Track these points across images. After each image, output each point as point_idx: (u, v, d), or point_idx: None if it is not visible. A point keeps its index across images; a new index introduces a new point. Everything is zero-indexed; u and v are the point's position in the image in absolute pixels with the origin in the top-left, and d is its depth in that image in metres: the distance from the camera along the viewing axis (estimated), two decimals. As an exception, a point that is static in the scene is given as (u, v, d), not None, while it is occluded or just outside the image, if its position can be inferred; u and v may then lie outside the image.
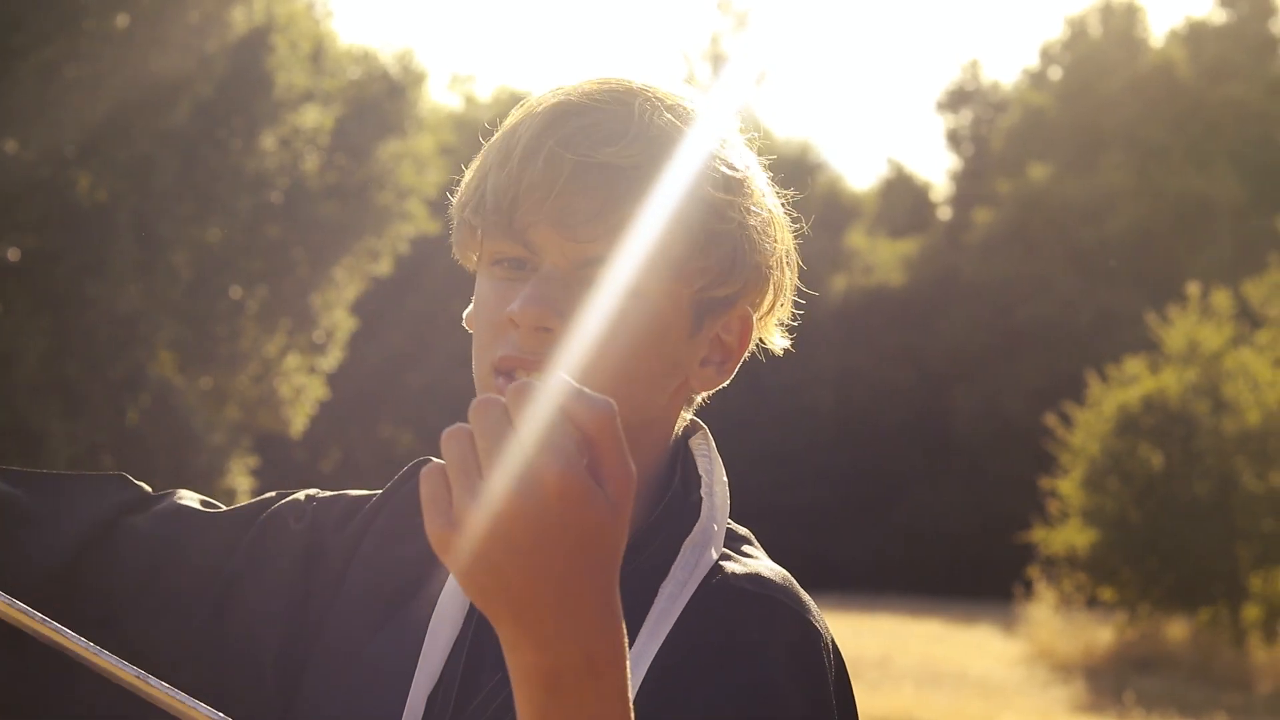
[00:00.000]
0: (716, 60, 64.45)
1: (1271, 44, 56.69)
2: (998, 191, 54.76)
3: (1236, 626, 26.50)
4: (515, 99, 2.10)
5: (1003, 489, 45.89)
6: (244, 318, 24.80)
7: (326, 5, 28.68)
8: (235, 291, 24.55)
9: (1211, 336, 27.14)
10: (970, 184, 58.50)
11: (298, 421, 26.61)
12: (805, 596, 1.87)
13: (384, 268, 29.30)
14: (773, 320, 2.01)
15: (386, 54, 29.29)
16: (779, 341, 2.04)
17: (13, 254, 21.87)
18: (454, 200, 1.96)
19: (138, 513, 2.04)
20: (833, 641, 1.86)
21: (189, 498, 2.08)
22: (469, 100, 55.92)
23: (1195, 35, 57.05)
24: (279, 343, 25.65)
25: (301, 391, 26.44)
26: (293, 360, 26.11)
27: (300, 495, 2.09)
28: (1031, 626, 27.68)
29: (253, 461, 24.86)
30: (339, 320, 26.99)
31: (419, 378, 47.63)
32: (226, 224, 23.76)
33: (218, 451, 23.75)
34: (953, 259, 53.92)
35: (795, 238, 2.01)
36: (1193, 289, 27.92)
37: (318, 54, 26.58)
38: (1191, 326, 27.46)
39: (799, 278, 2.02)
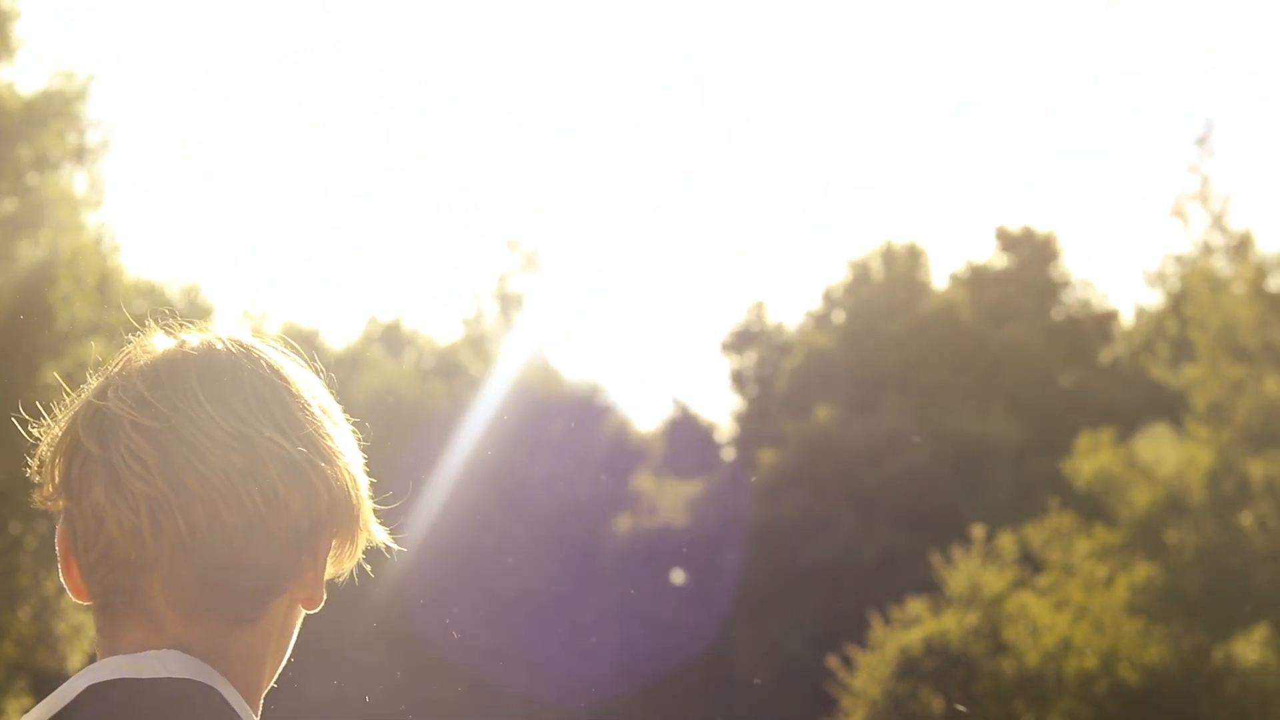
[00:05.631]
0: (504, 300, 64.85)
1: (1052, 288, 58.21)
2: (782, 432, 55.31)
3: None
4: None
5: (788, 731, 45.83)
6: (22, 553, 24.27)
7: (114, 239, 28.52)
8: (14, 527, 24.05)
9: (994, 579, 27.45)
10: (755, 425, 59.05)
11: (75, 659, 25.98)
12: None
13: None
14: None
15: (173, 288, 29.20)
16: None
17: None
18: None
19: None
20: None
21: None
22: (259, 335, 55.63)
23: (977, 278, 58.39)
24: (57, 579, 25.12)
25: (80, 629, 25.85)
26: (71, 598, 25.55)
27: None
28: None
29: (29, 701, 24.20)
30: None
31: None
32: (7, 459, 23.32)
33: (-10, 691, 23.08)
34: (737, 499, 54.25)
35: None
36: (977, 531, 28.28)
37: (104, 287, 26.38)
38: (974, 569, 27.76)
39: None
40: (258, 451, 1.91)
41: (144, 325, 2.21)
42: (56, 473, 1.98)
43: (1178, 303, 31.56)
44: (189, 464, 1.88)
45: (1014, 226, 58.89)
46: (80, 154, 26.10)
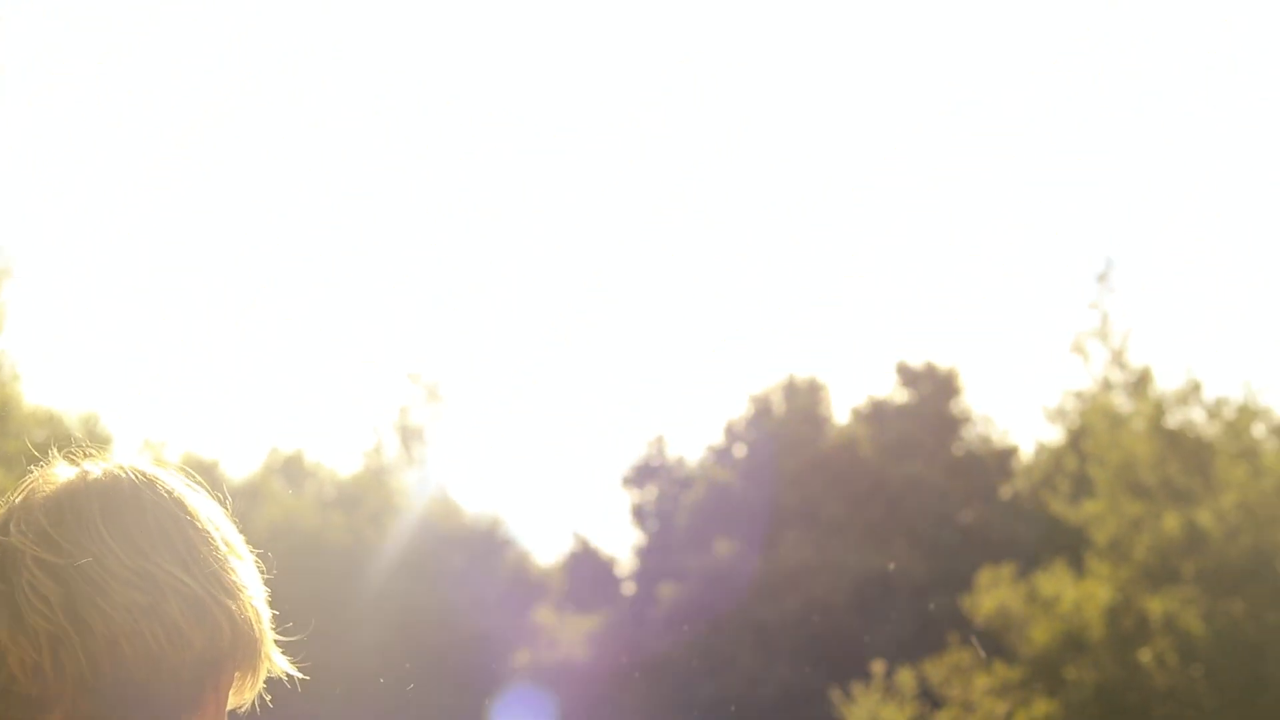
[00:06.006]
0: (405, 432, 64.56)
1: (952, 424, 58.52)
2: (683, 566, 55.24)
3: None
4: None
5: None
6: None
7: (14, 367, 28.35)
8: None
9: (894, 716, 27.41)
10: (655, 559, 58.95)
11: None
12: None
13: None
14: None
15: (72, 417, 28.88)
16: None
17: None
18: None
19: None
20: None
21: None
22: (160, 464, 55.27)
23: (878, 413, 58.68)
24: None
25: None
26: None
27: None
28: None
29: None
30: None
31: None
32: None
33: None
34: (637, 634, 54.05)
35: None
36: (877, 667, 28.27)
37: (2, 415, 26.12)
38: (874, 705, 27.72)
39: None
40: (161, 588, 1.89)
41: (44, 453, 2.18)
42: None
43: (1077, 439, 31.74)
44: (91, 601, 1.85)
45: (915, 362, 59.33)
46: (-21, 281, 25.92)
